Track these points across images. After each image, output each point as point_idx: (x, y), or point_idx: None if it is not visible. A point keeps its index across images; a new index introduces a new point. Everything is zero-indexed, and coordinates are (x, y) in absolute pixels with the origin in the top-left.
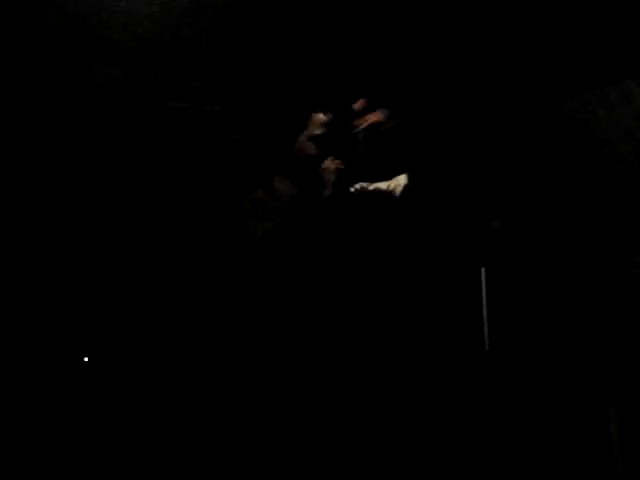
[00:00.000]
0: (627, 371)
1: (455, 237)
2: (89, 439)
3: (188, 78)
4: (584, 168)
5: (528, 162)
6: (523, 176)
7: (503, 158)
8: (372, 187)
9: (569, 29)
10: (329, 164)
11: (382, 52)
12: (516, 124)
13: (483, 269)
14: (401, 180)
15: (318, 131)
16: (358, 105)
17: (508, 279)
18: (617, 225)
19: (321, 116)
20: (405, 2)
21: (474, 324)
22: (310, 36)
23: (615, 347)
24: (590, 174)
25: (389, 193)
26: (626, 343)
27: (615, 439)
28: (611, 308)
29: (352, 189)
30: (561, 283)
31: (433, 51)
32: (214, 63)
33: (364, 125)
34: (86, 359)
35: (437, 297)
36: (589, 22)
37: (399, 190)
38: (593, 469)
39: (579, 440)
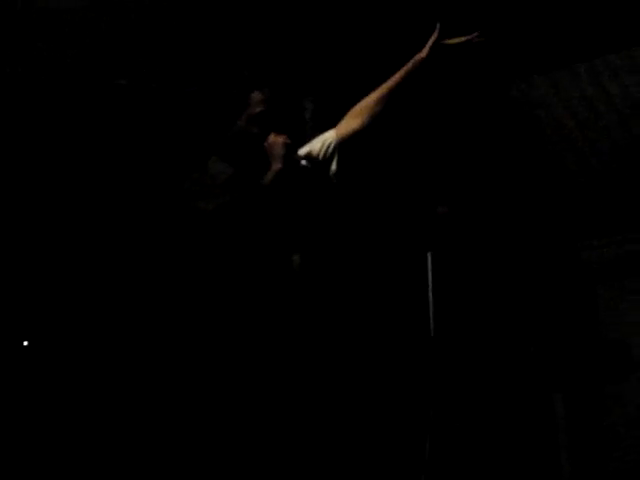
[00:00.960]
0: (572, 357)
1: (401, 222)
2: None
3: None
4: (531, 150)
5: (475, 145)
6: (470, 160)
7: (450, 141)
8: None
9: (521, 15)
10: (275, 139)
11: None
12: (466, 106)
13: (429, 254)
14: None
15: (258, 109)
16: None
17: (454, 264)
18: (565, 208)
19: (259, 94)
20: None
21: (420, 309)
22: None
23: (560, 333)
24: (537, 156)
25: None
26: (571, 328)
27: (561, 423)
28: (557, 293)
29: (303, 162)
30: (508, 267)
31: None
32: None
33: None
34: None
35: (384, 281)
36: (540, 7)
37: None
38: (538, 453)
39: (525, 425)
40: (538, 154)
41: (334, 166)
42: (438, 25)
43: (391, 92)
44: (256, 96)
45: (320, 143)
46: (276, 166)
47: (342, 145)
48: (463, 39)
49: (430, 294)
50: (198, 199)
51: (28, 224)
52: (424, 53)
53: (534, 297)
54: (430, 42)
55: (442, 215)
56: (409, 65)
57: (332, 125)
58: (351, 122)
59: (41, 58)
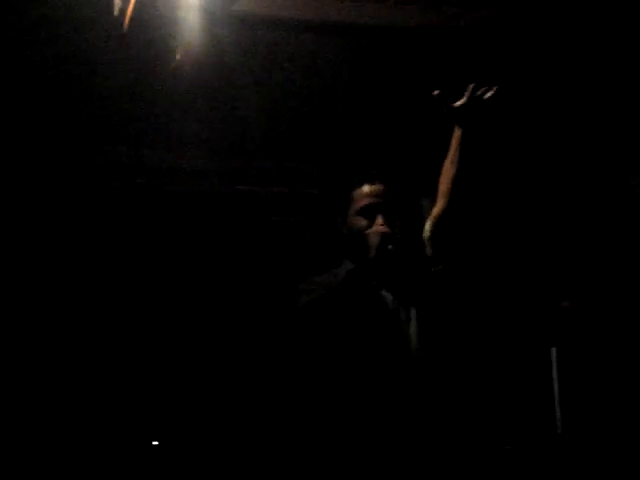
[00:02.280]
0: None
1: (525, 316)
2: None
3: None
4: None
5: (597, 241)
6: (593, 255)
7: (573, 237)
8: None
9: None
10: (374, 229)
11: None
12: (586, 203)
13: (554, 349)
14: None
15: (363, 203)
16: None
17: (579, 359)
18: None
19: (363, 188)
20: None
21: (546, 406)
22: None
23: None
24: None
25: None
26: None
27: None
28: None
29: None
30: (634, 362)
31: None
32: (278, 145)
33: None
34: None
35: (509, 377)
36: None
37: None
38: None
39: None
40: None
41: (429, 250)
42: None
43: (452, 166)
44: (363, 189)
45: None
46: (370, 254)
47: (435, 229)
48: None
49: (556, 390)
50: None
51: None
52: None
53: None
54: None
55: (566, 310)
56: (454, 136)
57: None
58: (437, 206)
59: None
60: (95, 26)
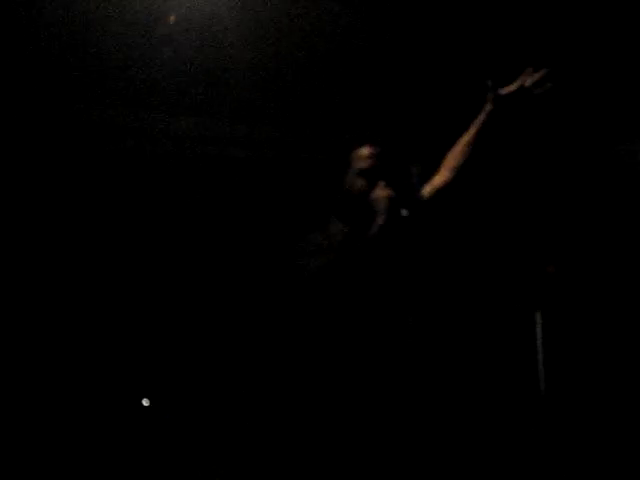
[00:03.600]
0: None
1: (510, 281)
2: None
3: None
4: (637, 211)
5: (583, 205)
6: (577, 219)
7: (558, 203)
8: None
9: (628, 79)
10: (379, 192)
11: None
12: (572, 168)
13: (539, 313)
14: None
15: (364, 164)
16: None
17: (564, 323)
18: None
19: (364, 150)
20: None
21: (530, 368)
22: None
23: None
24: None
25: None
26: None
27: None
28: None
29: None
30: (618, 326)
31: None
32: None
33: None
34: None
35: (493, 340)
36: None
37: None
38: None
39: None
40: None
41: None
42: (490, 82)
43: (470, 145)
44: (364, 151)
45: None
46: (379, 220)
47: (435, 197)
48: (517, 84)
49: (540, 353)
50: (302, 258)
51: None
52: (488, 107)
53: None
54: (489, 96)
55: (551, 274)
56: (479, 119)
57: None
58: (441, 176)
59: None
60: None
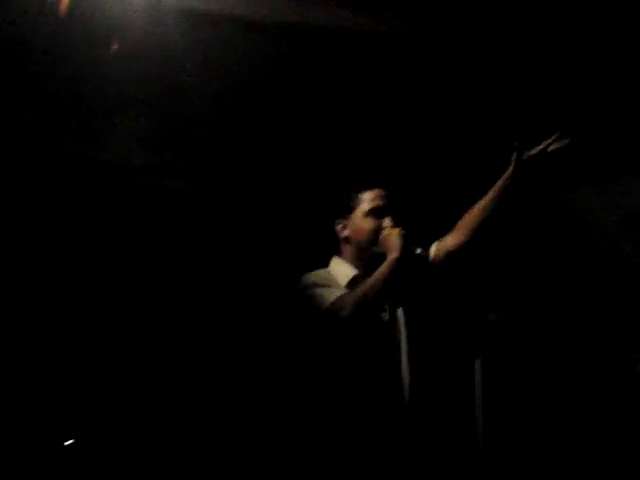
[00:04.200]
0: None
1: (451, 328)
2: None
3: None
4: (580, 259)
5: (526, 252)
6: (520, 267)
7: (500, 250)
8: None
9: (573, 126)
10: (391, 230)
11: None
12: (513, 217)
13: (478, 360)
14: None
15: (374, 204)
16: None
17: (504, 371)
18: (614, 318)
19: (373, 190)
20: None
21: (468, 417)
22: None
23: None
24: (585, 263)
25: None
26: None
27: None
28: (608, 403)
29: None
30: (557, 375)
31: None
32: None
33: None
34: None
35: (432, 386)
36: (591, 121)
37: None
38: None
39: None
40: (586, 262)
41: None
42: (516, 143)
43: (489, 210)
44: (375, 192)
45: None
46: (393, 255)
47: (447, 258)
48: (540, 147)
49: (479, 402)
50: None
51: None
52: (510, 170)
53: (585, 411)
54: (513, 158)
55: (492, 322)
56: (500, 183)
57: None
58: (454, 238)
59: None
60: (32, 14)
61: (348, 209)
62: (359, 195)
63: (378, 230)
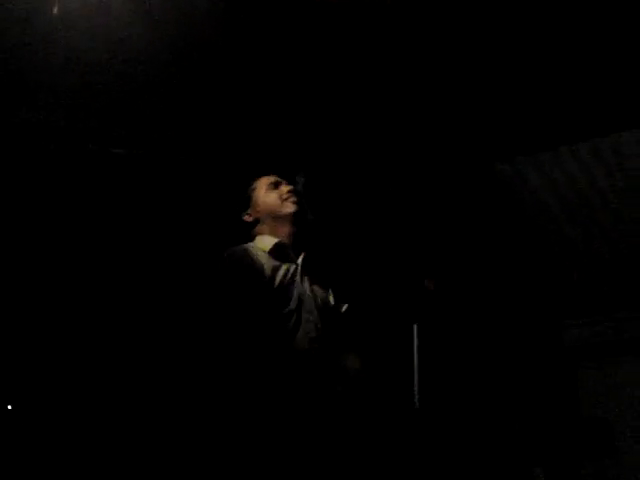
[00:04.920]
0: (552, 432)
1: (390, 294)
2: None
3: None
4: (515, 228)
5: (462, 221)
6: (456, 235)
7: (437, 217)
8: None
9: (506, 96)
10: (287, 189)
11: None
12: (452, 185)
13: (415, 326)
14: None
15: (267, 182)
16: None
17: (440, 337)
18: (548, 288)
19: (262, 178)
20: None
21: (405, 380)
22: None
23: (541, 408)
24: (520, 234)
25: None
26: (552, 406)
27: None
28: (539, 370)
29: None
30: (491, 343)
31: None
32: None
33: None
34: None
35: (369, 352)
36: (526, 91)
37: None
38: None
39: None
40: (521, 233)
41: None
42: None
43: None
44: (266, 177)
45: None
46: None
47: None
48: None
49: (415, 366)
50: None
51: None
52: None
53: (517, 374)
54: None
55: (428, 289)
56: None
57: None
58: None
59: (36, 124)
60: None
61: (248, 199)
62: (253, 184)
63: (281, 197)
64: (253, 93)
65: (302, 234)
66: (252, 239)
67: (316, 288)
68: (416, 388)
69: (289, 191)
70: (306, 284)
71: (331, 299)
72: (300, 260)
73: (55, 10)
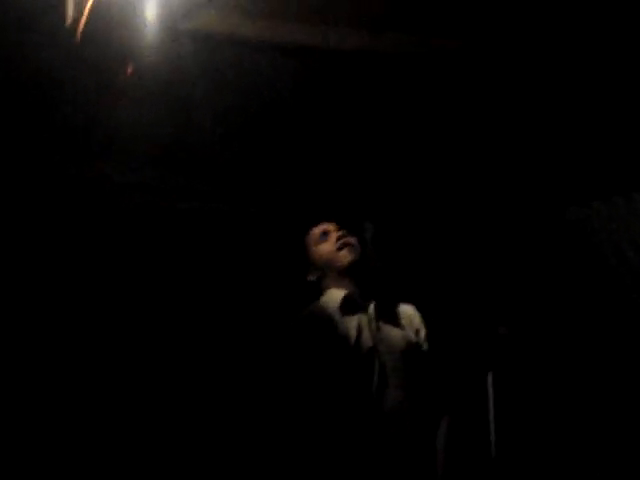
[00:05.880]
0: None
1: (462, 342)
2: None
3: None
4: (590, 274)
5: (535, 267)
6: (530, 282)
7: (510, 264)
8: None
9: (579, 142)
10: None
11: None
12: (523, 231)
13: (490, 374)
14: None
15: (315, 237)
16: None
17: (515, 385)
18: (626, 333)
19: (308, 235)
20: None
21: (481, 430)
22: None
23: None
24: (597, 281)
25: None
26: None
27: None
28: (626, 426)
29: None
30: (572, 392)
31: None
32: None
33: None
34: None
35: (445, 402)
36: (599, 137)
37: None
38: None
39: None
40: (597, 277)
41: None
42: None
43: None
44: (316, 228)
45: None
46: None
47: None
48: None
49: (491, 415)
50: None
51: None
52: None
53: (600, 426)
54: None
55: (503, 336)
56: None
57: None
58: None
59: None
60: (48, 38)
61: (306, 260)
62: (305, 241)
63: (334, 247)
64: (326, 148)
65: (370, 281)
66: (322, 293)
67: (395, 331)
68: (492, 438)
69: (339, 237)
70: (383, 331)
71: (422, 334)
72: (372, 309)
73: (129, 70)
